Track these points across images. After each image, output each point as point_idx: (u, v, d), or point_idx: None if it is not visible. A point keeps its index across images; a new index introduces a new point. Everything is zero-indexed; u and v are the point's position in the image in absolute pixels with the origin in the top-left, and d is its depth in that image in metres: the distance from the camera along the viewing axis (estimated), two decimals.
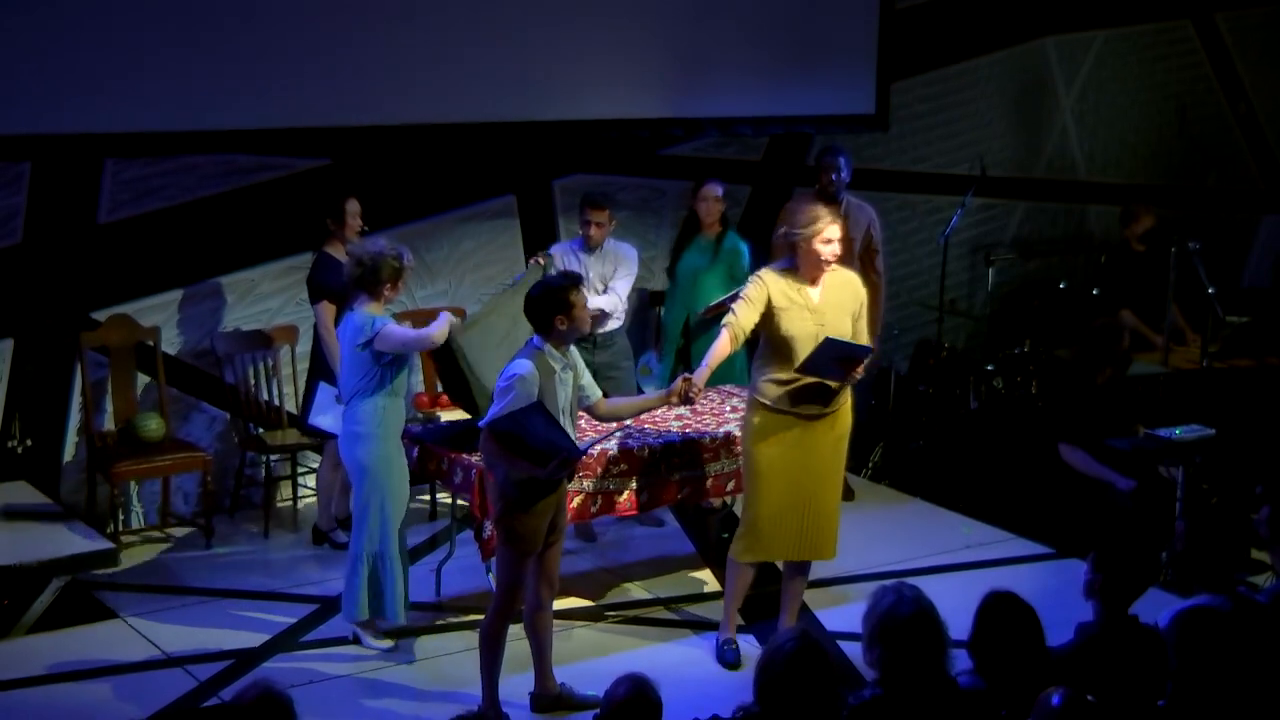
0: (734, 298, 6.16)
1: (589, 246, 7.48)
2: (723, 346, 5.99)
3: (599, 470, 6.40)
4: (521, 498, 5.46)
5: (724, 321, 6.02)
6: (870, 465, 8.72)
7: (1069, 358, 8.44)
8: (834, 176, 7.89)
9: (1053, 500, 7.61)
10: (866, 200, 8.24)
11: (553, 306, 5.45)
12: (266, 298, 7.96)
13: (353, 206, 7.32)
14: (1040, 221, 10.51)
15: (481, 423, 5.53)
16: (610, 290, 7.47)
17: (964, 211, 9.25)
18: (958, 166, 9.92)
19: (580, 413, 5.83)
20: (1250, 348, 8.68)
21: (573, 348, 5.61)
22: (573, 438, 5.54)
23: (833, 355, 5.91)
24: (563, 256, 7.50)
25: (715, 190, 7.83)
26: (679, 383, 5.97)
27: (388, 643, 6.37)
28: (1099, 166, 10.70)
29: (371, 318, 6.06)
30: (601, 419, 5.91)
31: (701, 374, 6.02)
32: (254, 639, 6.42)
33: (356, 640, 6.39)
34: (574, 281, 5.57)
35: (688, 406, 6.20)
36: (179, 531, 7.66)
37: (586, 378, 5.71)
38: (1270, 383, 8.47)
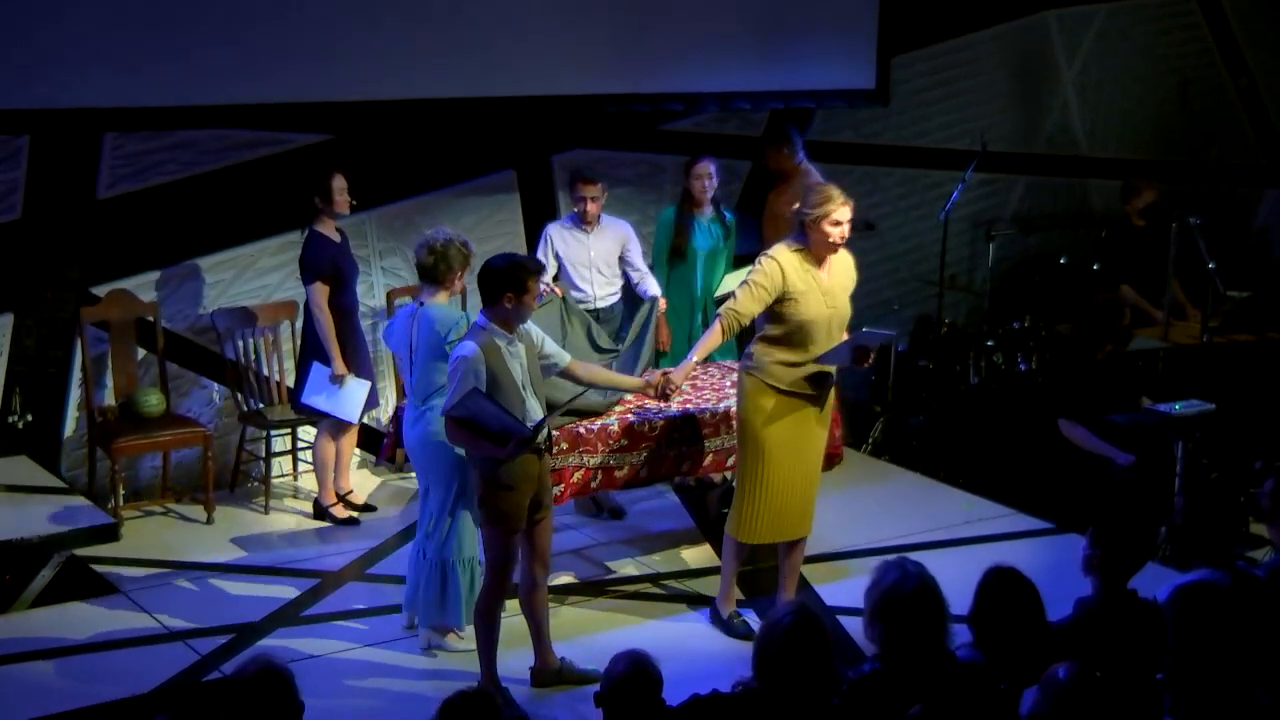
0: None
1: (586, 223, 7.45)
2: (714, 338, 6.00)
3: (599, 445, 6.40)
4: (499, 477, 5.45)
5: (720, 310, 5.98)
6: (871, 440, 8.72)
7: (1069, 333, 8.44)
8: (786, 151, 8.09)
9: (1052, 475, 7.61)
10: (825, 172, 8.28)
11: (508, 282, 5.39)
12: (266, 273, 7.96)
13: (338, 183, 7.30)
14: (1041, 196, 10.49)
15: (440, 411, 5.52)
16: (640, 276, 7.49)
17: (964, 187, 9.23)
18: (958, 141, 9.90)
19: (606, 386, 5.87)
20: (1251, 322, 8.67)
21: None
22: (539, 411, 5.51)
23: (856, 344, 5.99)
24: (559, 236, 7.45)
25: (709, 167, 7.78)
26: (657, 376, 5.96)
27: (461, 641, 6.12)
28: (1100, 141, 10.67)
29: (464, 314, 6.02)
30: (579, 382, 5.88)
31: (685, 369, 6.02)
32: (254, 613, 6.43)
33: (431, 648, 6.12)
34: (538, 269, 5.56)
35: (662, 403, 6.17)
36: (179, 506, 7.67)
37: (549, 346, 5.68)
38: (1270, 357, 8.47)
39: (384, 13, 7.74)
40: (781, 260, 5.91)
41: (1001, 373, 8.74)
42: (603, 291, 7.44)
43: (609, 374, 6.17)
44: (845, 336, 6.10)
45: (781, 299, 5.89)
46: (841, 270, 6.07)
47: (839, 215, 5.89)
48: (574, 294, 7.27)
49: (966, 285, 9.90)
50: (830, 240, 5.91)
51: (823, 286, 5.95)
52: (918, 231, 9.93)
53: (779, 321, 5.94)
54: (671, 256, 7.85)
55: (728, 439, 6.65)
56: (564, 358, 5.74)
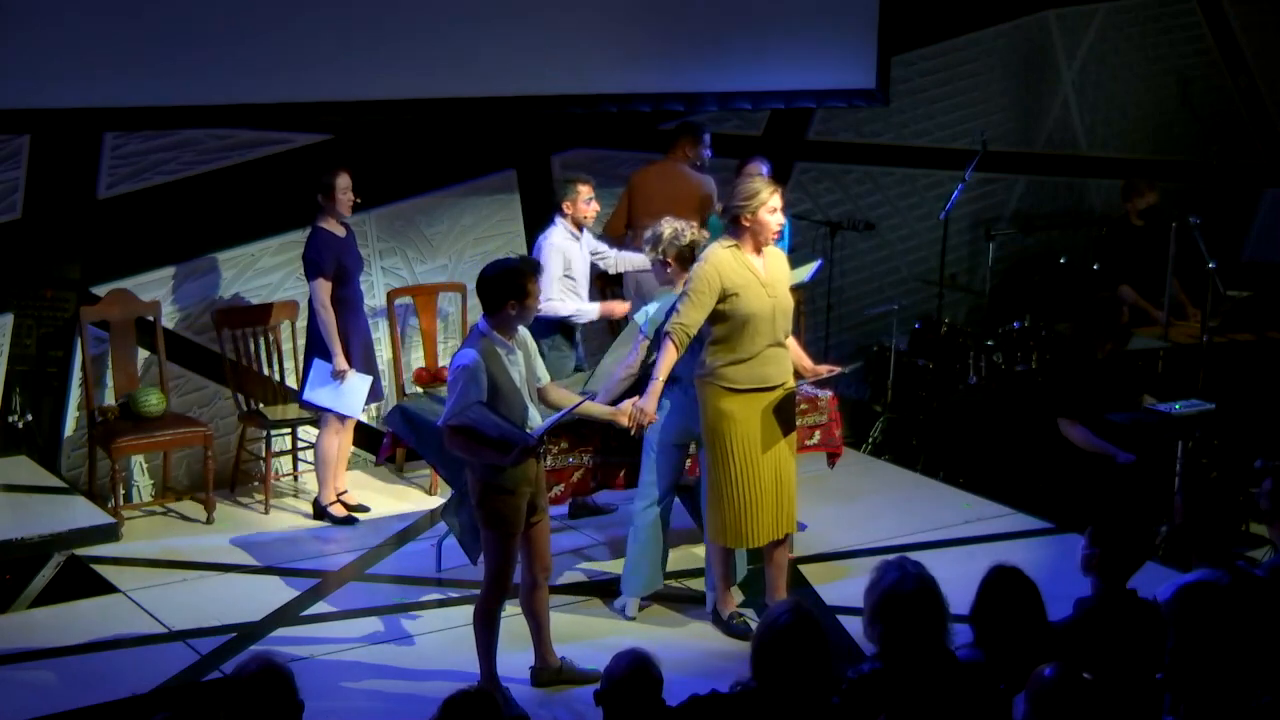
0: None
1: (581, 228, 7.47)
2: (670, 357, 5.98)
3: (599, 445, 6.39)
4: (498, 481, 5.45)
5: (666, 328, 5.97)
6: (871, 440, 8.72)
7: (1069, 332, 8.44)
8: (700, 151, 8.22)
9: (1052, 475, 7.61)
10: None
11: (508, 290, 5.37)
12: (266, 273, 7.96)
13: (343, 181, 7.30)
14: (1041, 196, 10.49)
15: (439, 421, 5.50)
16: (601, 256, 7.53)
17: (964, 186, 9.23)
18: (958, 141, 9.90)
19: None
20: (1251, 322, 8.68)
21: (522, 329, 5.55)
22: (539, 418, 5.50)
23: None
24: (567, 248, 7.40)
25: (760, 168, 7.82)
26: (629, 406, 5.94)
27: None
28: (1100, 141, 10.67)
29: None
30: (551, 405, 5.80)
31: (653, 395, 5.98)
32: (255, 613, 6.43)
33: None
34: (534, 269, 5.54)
35: (635, 431, 6.13)
36: (180, 506, 7.67)
37: (538, 361, 5.66)
38: (1270, 357, 8.47)
39: (384, 13, 7.74)
40: (714, 260, 5.97)
41: (1001, 372, 8.74)
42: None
43: (577, 402, 6.13)
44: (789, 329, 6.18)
45: (723, 297, 5.92)
46: (776, 264, 6.11)
47: (774, 202, 5.99)
48: (582, 307, 7.31)
49: (966, 285, 9.89)
50: (770, 228, 6.00)
51: (761, 279, 5.99)
52: (918, 231, 9.93)
53: (722, 320, 5.96)
54: None
55: None
56: (545, 378, 5.74)
